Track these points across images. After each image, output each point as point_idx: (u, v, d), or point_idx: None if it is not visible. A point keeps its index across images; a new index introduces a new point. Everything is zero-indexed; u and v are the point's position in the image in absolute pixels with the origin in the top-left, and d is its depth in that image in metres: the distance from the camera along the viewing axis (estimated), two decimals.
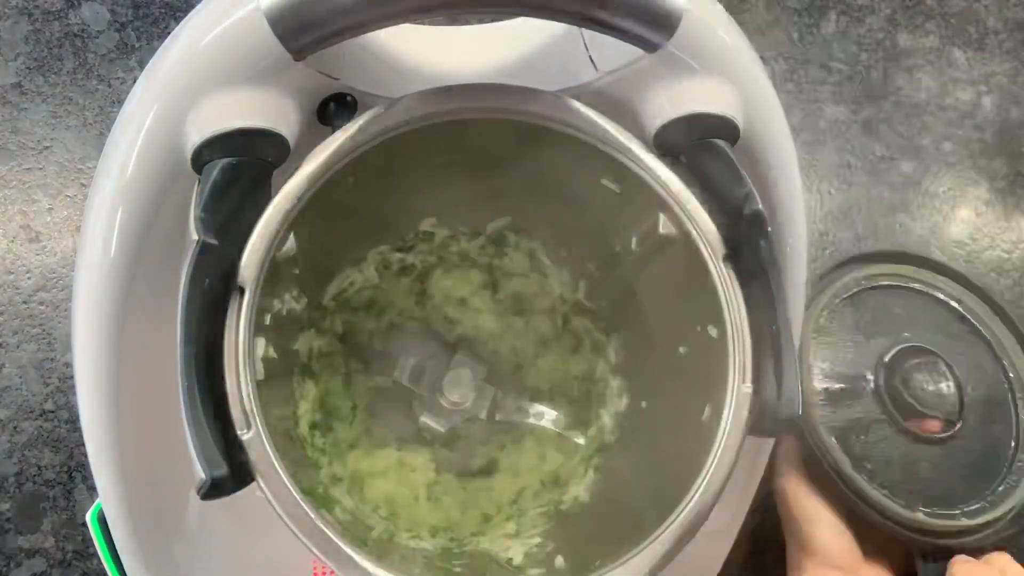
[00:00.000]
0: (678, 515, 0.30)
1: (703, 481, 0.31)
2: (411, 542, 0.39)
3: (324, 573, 0.41)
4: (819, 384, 0.54)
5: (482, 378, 0.42)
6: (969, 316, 0.57)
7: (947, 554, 0.52)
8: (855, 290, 0.56)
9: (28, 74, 0.54)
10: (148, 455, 0.35)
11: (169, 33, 0.32)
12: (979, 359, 0.56)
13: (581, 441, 0.42)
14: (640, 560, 0.30)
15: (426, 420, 0.41)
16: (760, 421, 0.31)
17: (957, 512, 0.53)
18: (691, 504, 0.30)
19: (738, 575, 0.55)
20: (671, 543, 0.30)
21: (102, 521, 0.38)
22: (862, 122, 0.63)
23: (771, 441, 0.43)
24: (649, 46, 0.31)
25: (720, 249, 0.32)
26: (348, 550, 0.28)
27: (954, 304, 0.57)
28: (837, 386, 0.55)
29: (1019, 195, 0.64)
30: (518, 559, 0.37)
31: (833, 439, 0.52)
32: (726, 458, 0.31)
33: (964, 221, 0.59)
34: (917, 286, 0.57)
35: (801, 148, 0.60)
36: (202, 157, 0.30)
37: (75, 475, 0.50)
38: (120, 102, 0.55)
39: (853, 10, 0.65)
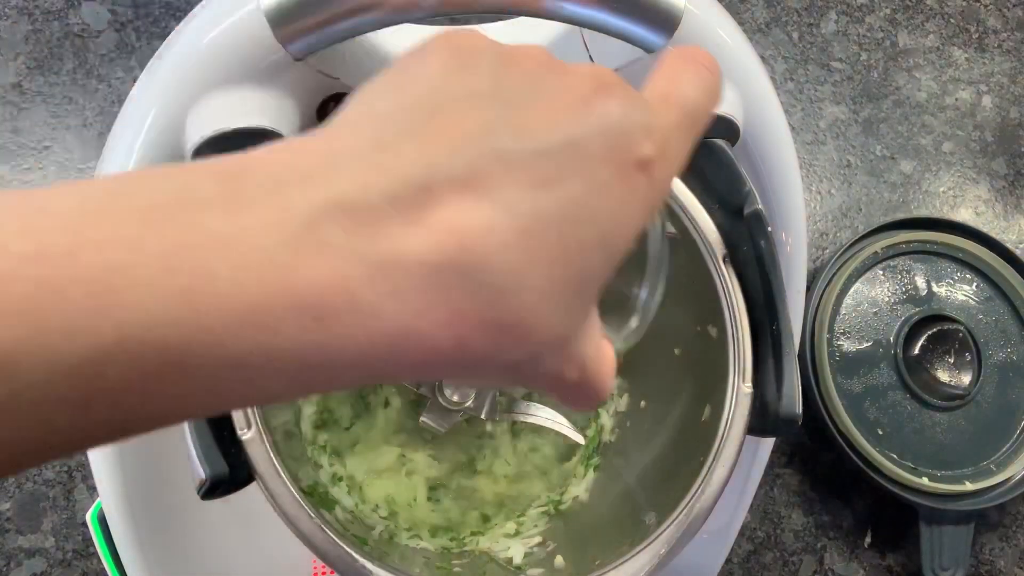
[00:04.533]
0: (678, 515, 0.30)
1: (703, 481, 0.31)
2: (411, 542, 0.39)
3: (324, 573, 0.41)
4: (838, 350, 0.54)
5: None
6: (996, 280, 0.57)
7: (948, 519, 0.53)
8: (882, 256, 0.56)
9: (28, 74, 0.54)
10: (148, 455, 0.35)
11: (169, 33, 0.32)
12: (1003, 324, 0.57)
13: (581, 441, 0.42)
14: (640, 560, 0.30)
15: (426, 420, 0.41)
16: (760, 421, 0.31)
17: (962, 475, 0.54)
18: (691, 504, 0.30)
19: (738, 575, 0.55)
20: (671, 543, 0.30)
21: (102, 521, 0.38)
22: (862, 122, 0.63)
23: (771, 441, 0.43)
24: (649, 46, 0.31)
25: (720, 249, 0.32)
26: (348, 550, 0.28)
27: (981, 268, 0.57)
28: (856, 352, 0.55)
29: (1019, 195, 0.64)
30: (518, 559, 0.37)
31: (844, 403, 0.53)
32: (726, 458, 0.31)
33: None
34: (944, 251, 0.57)
35: (801, 148, 0.60)
36: (202, 157, 0.30)
37: (75, 475, 0.50)
38: (120, 102, 0.55)
39: (853, 10, 0.65)
